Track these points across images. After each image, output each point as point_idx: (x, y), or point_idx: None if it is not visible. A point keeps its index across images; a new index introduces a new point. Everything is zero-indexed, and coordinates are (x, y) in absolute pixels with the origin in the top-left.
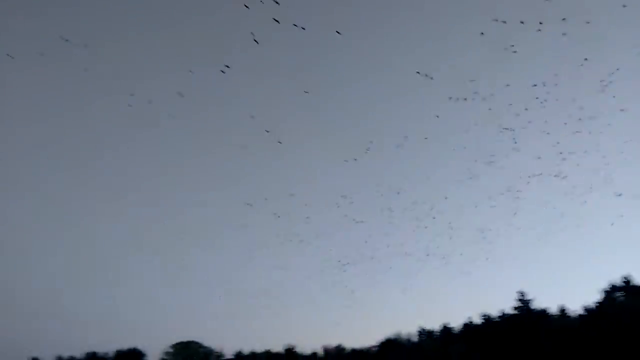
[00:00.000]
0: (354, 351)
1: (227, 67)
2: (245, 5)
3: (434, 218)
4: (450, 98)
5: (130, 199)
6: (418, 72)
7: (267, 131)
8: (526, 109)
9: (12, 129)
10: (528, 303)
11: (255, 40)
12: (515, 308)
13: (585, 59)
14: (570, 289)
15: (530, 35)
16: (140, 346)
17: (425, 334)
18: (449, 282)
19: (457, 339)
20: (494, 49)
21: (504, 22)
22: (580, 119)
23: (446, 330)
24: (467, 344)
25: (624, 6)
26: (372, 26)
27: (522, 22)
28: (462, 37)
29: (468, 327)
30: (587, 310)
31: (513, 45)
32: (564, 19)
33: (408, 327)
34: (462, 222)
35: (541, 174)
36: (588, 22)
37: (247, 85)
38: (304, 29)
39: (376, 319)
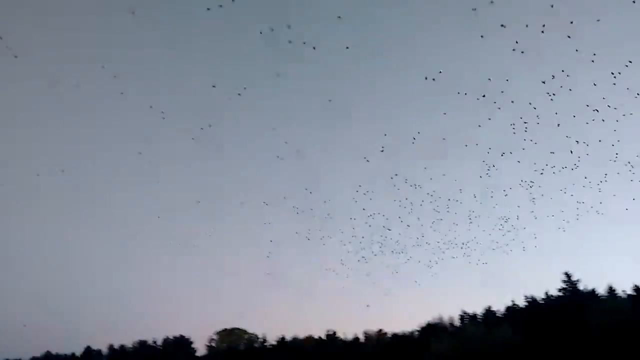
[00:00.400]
0: (395, 336)
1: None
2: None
3: (453, 212)
4: (458, 93)
5: (171, 196)
6: (430, 78)
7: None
8: (531, 104)
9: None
10: (575, 284)
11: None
12: (561, 289)
13: (595, 54)
14: (617, 270)
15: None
16: (186, 334)
17: (467, 318)
18: (489, 266)
19: (501, 322)
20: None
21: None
22: (593, 110)
23: (489, 313)
24: (512, 327)
25: (634, 2)
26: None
27: (526, 26)
28: (469, 37)
29: (512, 310)
30: (638, 290)
31: (517, 42)
32: (571, 22)
33: (451, 311)
34: (489, 210)
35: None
36: (598, 20)
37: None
38: (314, 48)
39: (418, 304)
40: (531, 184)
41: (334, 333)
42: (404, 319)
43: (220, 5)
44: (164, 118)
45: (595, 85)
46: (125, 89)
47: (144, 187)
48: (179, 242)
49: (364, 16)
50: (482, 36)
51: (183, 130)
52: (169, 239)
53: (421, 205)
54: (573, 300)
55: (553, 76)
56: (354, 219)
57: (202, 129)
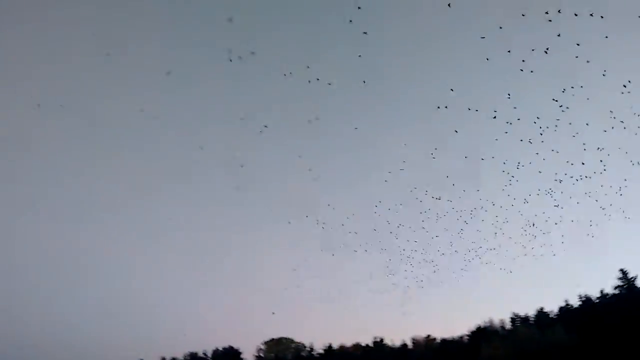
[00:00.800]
0: (444, 341)
1: None
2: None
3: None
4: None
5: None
6: (452, 89)
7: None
8: (539, 118)
9: None
10: (632, 280)
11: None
12: (617, 287)
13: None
14: None
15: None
16: (235, 345)
17: (519, 320)
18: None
19: (554, 323)
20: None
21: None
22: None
23: (541, 314)
24: (566, 328)
25: None
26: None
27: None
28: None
29: (565, 310)
30: None
31: (524, 61)
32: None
33: (500, 314)
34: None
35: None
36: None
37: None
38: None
39: (466, 309)
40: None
41: (381, 340)
42: (452, 324)
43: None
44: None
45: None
46: None
47: (189, 208)
48: (229, 255)
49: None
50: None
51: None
52: (218, 252)
53: (445, 215)
54: (630, 297)
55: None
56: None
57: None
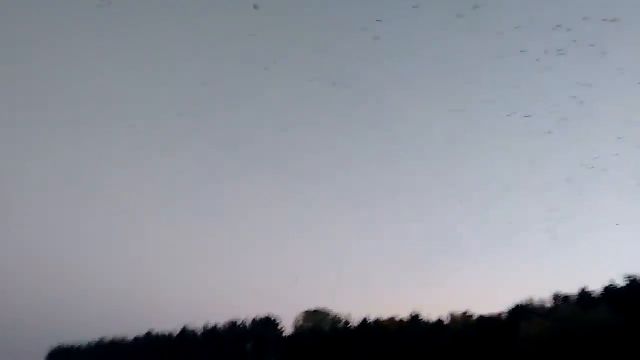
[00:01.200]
0: (482, 318)
1: None
2: None
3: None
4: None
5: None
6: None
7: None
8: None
9: None
10: None
11: None
12: None
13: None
14: None
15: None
16: (274, 313)
17: (560, 299)
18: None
19: (598, 302)
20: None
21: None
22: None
23: (584, 294)
24: (610, 308)
25: None
26: None
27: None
28: None
29: (610, 289)
30: None
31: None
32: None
33: (541, 292)
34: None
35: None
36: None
37: None
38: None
39: (506, 286)
40: None
41: (417, 315)
42: (491, 301)
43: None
44: None
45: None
46: None
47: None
48: (269, 230)
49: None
50: None
51: None
52: (259, 226)
53: None
54: None
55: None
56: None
57: None
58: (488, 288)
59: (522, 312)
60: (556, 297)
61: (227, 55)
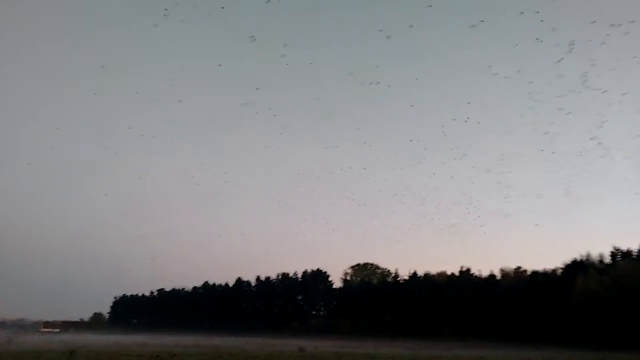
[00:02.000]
0: (535, 273)
1: None
2: None
3: None
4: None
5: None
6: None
7: None
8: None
9: None
10: None
11: None
12: None
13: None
14: None
15: None
16: (323, 268)
17: (620, 254)
18: None
19: None
20: None
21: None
22: None
23: None
24: None
25: None
26: None
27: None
28: None
29: None
30: None
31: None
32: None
33: (599, 248)
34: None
35: None
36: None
37: None
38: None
39: (562, 242)
40: None
41: (468, 270)
42: (547, 257)
43: None
44: None
45: None
46: None
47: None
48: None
49: None
50: None
51: None
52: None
53: None
54: None
55: None
56: None
57: None
58: (545, 246)
59: (579, 268)
60: (615, 253)
61: None
